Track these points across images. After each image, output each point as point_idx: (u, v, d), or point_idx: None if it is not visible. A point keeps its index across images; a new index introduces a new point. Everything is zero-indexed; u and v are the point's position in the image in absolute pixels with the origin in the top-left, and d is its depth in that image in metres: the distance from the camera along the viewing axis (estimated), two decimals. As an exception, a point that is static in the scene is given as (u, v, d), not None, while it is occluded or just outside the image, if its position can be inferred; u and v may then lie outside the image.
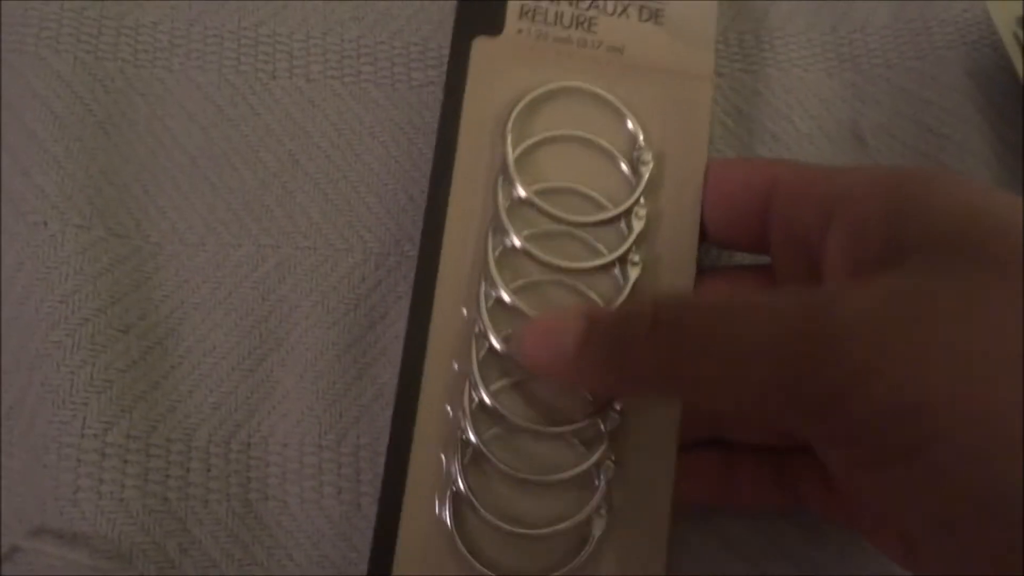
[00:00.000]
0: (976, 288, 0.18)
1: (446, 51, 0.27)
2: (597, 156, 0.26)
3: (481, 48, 0.26)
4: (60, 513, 0.25)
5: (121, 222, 0.27)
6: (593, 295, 0.25)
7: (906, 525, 0.21)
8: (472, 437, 0.24)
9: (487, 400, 0.24)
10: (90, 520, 0.25)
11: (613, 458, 0.24)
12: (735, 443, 0.26)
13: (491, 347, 0.24)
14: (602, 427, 0.25)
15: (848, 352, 0.18)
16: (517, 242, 0.25)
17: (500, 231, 0.25)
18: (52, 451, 0.25)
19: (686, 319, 0.21)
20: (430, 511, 0.24)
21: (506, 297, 0.25)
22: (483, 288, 0.25)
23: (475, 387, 0.24)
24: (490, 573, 0.24)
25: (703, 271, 0.26)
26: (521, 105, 0.26)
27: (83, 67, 0.28)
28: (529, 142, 0.26)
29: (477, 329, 0.25)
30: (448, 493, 0.24)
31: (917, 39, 0.32)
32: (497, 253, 0.25)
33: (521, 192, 0.25)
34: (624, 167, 0.26)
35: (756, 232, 0.25)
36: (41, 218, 0.26)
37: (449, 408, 0.24)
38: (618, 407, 0.25)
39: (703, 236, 0.26)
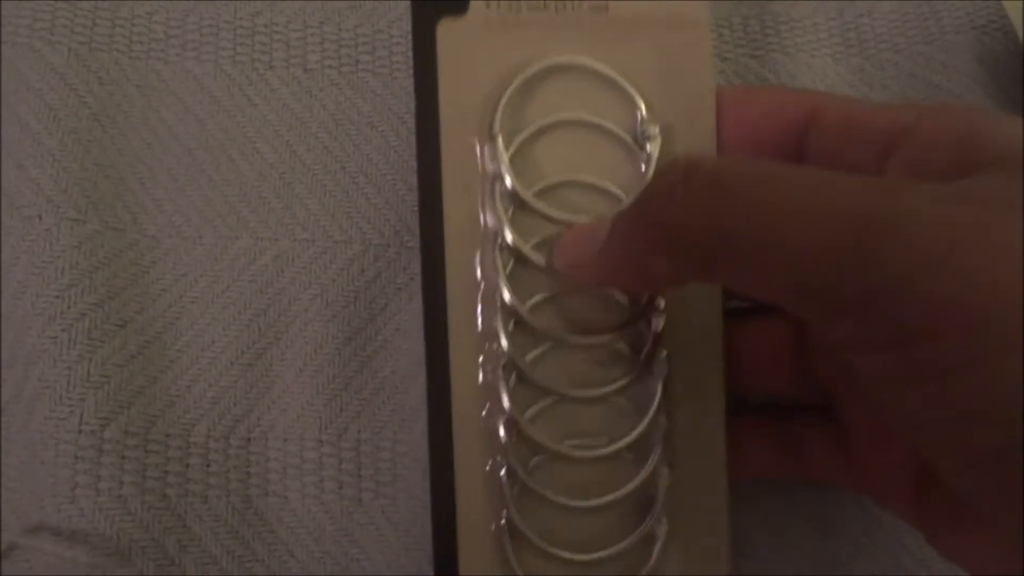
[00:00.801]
0: None
1: None
2: (599, 136, 0.24)
3: (447, 31, 0.23)
4: (58, 510, 0.24)
5: (117, 215, 0.27)
6: (619, 295, 0.24)
7: (936, 457, 0.19)
8: (518, 470, 0.23)
9: (525, 427, 0.23)
10: (88, 517, 0.24)
11: (669, 465, 0.23)
12: (735, 408, 0.25)
13: (521, 373, 0.23)
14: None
15: (910, 241, 0.16)
16: (531, 255, 0.23)
17: (507, 245, 0.23)
18: (49, 447, 0.25)
19: (725, 179, 0.18)
20: (486, 546, 0.23)
21: (526, 320, 0.23)
22: (499, 307, 0.23)
23: (509, 413, 0.23)
24: None
25: None
26: (504, 99, 0.23)
27: (78, 59, 0.28)
28: (522, 136, 0.24)
29: (501, 348, 0.23)
30: (500, 525, 0.23)
31: (925, 24, 0.31)
32: (508, 267, 0.23)
33: (523, 198, 0.23)
34: (630, 142, 0.24)
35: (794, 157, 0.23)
36: (36, 212, 0.26)
37: (484, 421, 0.23)
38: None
39: None
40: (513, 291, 0.23)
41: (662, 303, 0.24)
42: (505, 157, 0.23)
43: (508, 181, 0.23)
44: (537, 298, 0.24)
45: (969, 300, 0.16)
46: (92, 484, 0.25)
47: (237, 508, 0.26)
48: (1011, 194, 0.17)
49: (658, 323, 0.24)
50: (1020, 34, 0.29)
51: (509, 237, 0.23)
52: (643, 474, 0.23)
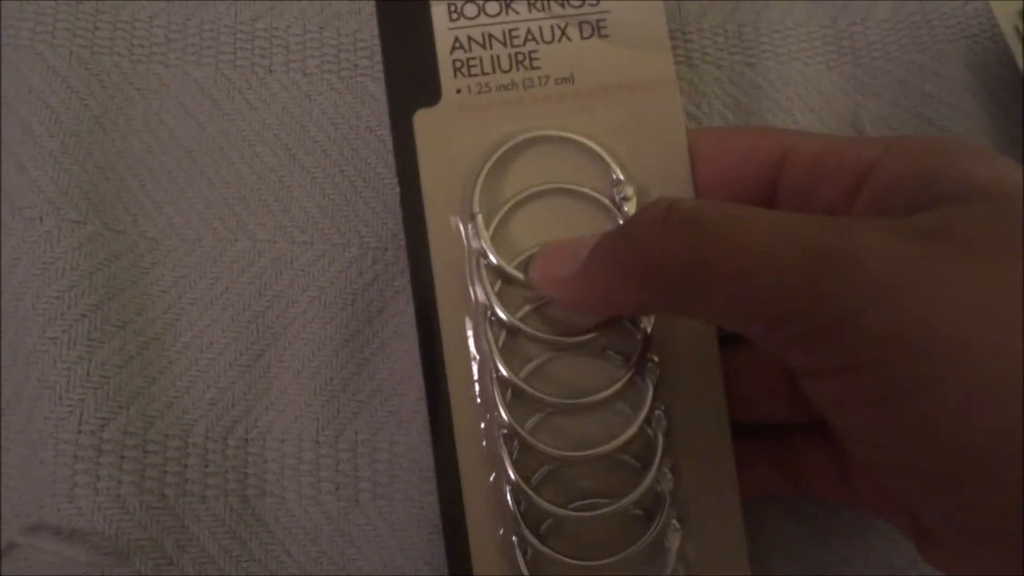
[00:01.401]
0: (1005, 234, 0.17)
1: None
2: (577, 203, 0.25)
3: (423, 121, 0.25)
4: (57, 509, 0.25)
5: (117, 217, 0.27)
6: (611, 354, 0.24)
7: (895, 482, 0.20)
8: (506, 418, 0.23)
9: (522, 486, 0.23)
10: (87, 516, 0.25)
11: (670, 467, 0.24)
12: (732, 429, 0.25)
13: (523, 442, 0.24)
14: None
15: (863, 275, 0.17)
16: (516, 324, 0.24)
17: (496, 320, 0.24)
18: (49, 447, 0.25)
19: (700, 218, 0.20)
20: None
21: (522, 386, 0.24)
22: (492, 375, 0.24)
23: (515, 482, 0.23)
24: None
25: None
26: (481, 177, 0.24)
27: (79, 62, 0.28)
28: (502, 212, 0.24)
29: (501, 429, 0.24)
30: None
31: (918, 32, 0.32)
32: (500, 342, 0.24)
33: (506, 272, 0.24)
34: (608, 204, 0.25)
35: (760, 205, 0.24)
36: (37, 213, 0.26)
37: (491, 487, 0.24)
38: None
39: None
40: (507, 363, 0.24)
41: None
42: (486, 235, 0.24)
43: (491, 257, 0.24)
44: (532, 365, 0.24)
45: (910, 330, 0.17)
46: (91, 484, 0.25)
47: (235, 508, 0.26)
48: (960, 227, 0.18)
49: (653, 377, 0.24)
50: (1010, 43, 0.30)
51: (499, 312, 0.24)
52: (646, 482, 0.23)
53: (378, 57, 0.30)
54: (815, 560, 0.27)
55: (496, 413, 0.23)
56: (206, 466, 0.26)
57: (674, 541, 0.23)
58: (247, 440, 0.26)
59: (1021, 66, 0.29)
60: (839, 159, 0.23)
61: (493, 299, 0.24)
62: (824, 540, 0.27)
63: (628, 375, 0.24)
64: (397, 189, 0.28)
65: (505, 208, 0.24)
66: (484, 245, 0.24)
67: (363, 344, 0.27)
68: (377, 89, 0.29)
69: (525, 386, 0.23)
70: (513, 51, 0.25)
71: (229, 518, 0.26)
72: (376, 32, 0.30)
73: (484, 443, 0.24)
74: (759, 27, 0.31)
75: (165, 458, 0.26)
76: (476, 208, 0.24)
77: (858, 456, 0.22)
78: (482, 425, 0.24)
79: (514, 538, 0.23)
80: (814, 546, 0.27)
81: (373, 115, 0.29)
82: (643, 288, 0.21)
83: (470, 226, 0.24)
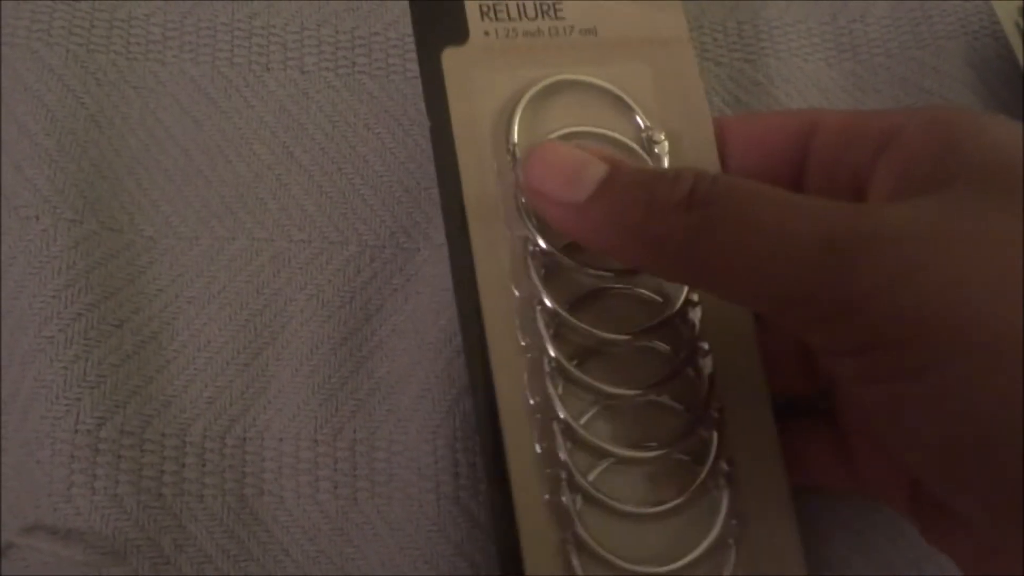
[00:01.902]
0: (1016, 216, 0.18)
1: None
2: (608, 146, 0.25)
3: (452, 59, 0.25)
4: (54, 509, 0.24)
5: (114, 216, 0.27)
6: (648, 294, 0.24)
7: (908, 456, 0.20)
8: (579, 479, 0.22)
9: (580, 432, 0.23)
10: (84, 516, 0.25)
11: (726, 463, 0.23)
12: (791, 422, 0.25)
13: (568, 375, 0.23)
14: (704, 434, 0.23)
15: (878, 258, 0.18)
16: (562, 259, 0.23)
17: (539, 252, 0.24)
18: (46, 447, 0.25)
19: (724, 197, 0.20)
20: (555, 563, 0.22)
21: (567, 317, 0.23)
22: (539, 312, 0.23)
23: (564, 423, 0.23)
24: None
25: None
26: (519, 111, 0.24)
27: (75, 60, 0.28)
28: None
29: (549, 363, 0.23)
30: (569, 540, 0.22)
31: (918, 29, 0.31)
32: (542, 274, 0.24)
33: None
34: (641, 152, 0.25)
35: (788, 178, 0.24)
36: (33, 212, 0.26)
37: (538, 447, 0.23)
38: (717, 411, 0.24)
39: None
40: (552, 295, 0.23)
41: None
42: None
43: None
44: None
45: (922, 312, 0.17)
46: (88, 483, 0.25)
47: (233, 507, 0.26)
48: (974, 207, 0.18)
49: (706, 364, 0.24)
50: (1010, 40, 0.30)
51: (541, 243, 0.23)
52: (700, 479, 0.23)
53: (376, 55, 0.30)
54: (815, 558, 0.27)
55: (542, 342, 0.23)
56: (204, 465, 0.26)
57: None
58: (245, 439, 0.26)
59: (1021, 63, 0.29)
60: (865, 126, 0.23)
61: (532, 230, 0.23)
62: (826, 539, 0.27)
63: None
64: (394, 188, 0.28)
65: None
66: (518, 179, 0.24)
67: (361, 342, 0.27)
68: (375, 86, 0.29)
69: (569, 317, 0.23)
70: (538, 2, 0.26)
71: (227, 517, 0.26)
72: (373, 30, 0.30)
73: (523, 337, 0.23)
74: (758, 24, 0.31)
75: (162, 457, 0.26)
76: (516, 139, 0.24)
77: (873, 430, 0.23)
78: (520, 338, 0.23)
79: (562, 475, 0.23)
80: (815, 544, 0.27)
81: (371, 113, 0.29)
82: (654, 258, 0.21)
83: (508, 159, 0.24)
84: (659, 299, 0.24)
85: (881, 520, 0.27)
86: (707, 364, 0.24)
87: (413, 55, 0.29)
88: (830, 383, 0.25)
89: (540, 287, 0.23)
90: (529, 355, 0.23)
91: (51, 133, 0.27)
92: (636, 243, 0.21)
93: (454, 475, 0.26)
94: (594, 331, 0.23)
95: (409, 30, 0.29)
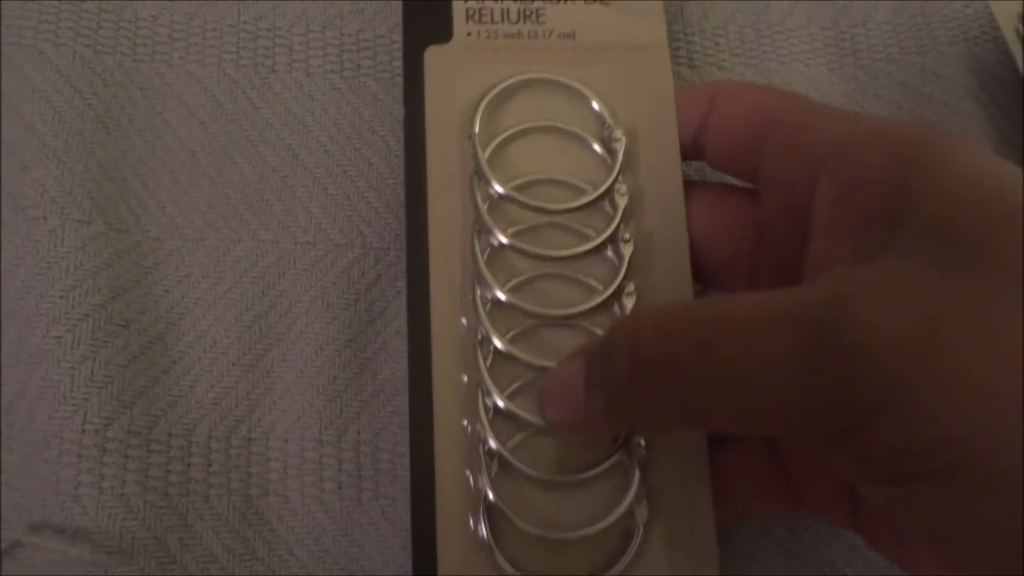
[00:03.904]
0: (999, 297, 0.17)
1: None
2: (569, 143, 0.26)
3: (434, 56, 0.26)
4: (61, 508, 0.25)
5: (121, 217, 0.27)
6: (592, 281, 0.25)
7: (932, 535, 0.19)
8: (494, 445, 0.24)
9: (503, 405, 0.24)
10: (91, 515, 0.25)
11: (643, 442, 0.24)
12: (726, 442, 0.25)
13: (498, 350, 0.24)
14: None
15: (870, 377, 0.17)
16: (503, 239, 0.25)
17: (485, 232, 0.25)
18: (53, 446, 0.25)
19: (669, 350, 0.19)
20: (466, 528, 0.23)
21: (502, 296, 0.24)
22: (478, 293, 0.25)
23: (489, 395, 0.24)
24: None
25: (689, 183, 0.26)
26: (483, 104, 0.26)
27: (82, 61, 0.28)
28: (498, 139, 0.26)
29: (480, 336, 0.24)
30: (480, 507, 0.23)
31: (918, 34, 0.32)
32: (486, 255, 0.25)
33: (499, 189, 0.25)
34: (598, 148, 0.26)
35: (749, 165, 0.24)
36: (40, 213, 0.26)
37: (466, 422, 0.24)
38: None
39: (702, 155, 0.26)
40: (495, 278, 0.25)
41: None
42: (482, 154, 0.25)
43: (485, 172, 0.25)
44: (515, 281, 0.25)
45: (936, 430, 0.16)
46: (95, 483, 0.25)
47: (238, 507, 0.26)
48: (952, 296, 0.17)
49: None
50: (1011, 46, 0.30)
51: (490, 226, 0.25)
52: (616, 455, 0.24)
53: (381, 57, 0.30)
54: (817, 557, 0.27)
55: (479, 324, 0.24)
56: (209, 465, 0.26)
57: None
58: (250, 439, 0.26)
59: (1021, 68, 0.30)
60: (807, 137, 0.22)
61: (484, 214, 0.25)
62: (828, 541, 0.27)
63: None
64: (398, 190, 0.29)
65: (503, 135, 0.26)
66: (479, 162, 0.25)
67: (365, 344, 0.27)
68: (380, 89, 0.29)
69: (510, 297, 0.24)
70: (522, 6, 0.27)
71: (232, 517, 0.26)
72: (379, 32, 0.30)
73: (464, 323, 0.25)
74: (760, 28, 0.32)
75: (169, 457, 0.26)
76: (476, 129, 0.26)
77: (893, 520, 0.22)
78: (463, 320, 0.25)
79: (481, 443, 0.24)
80: (815, 543, 0.27)
81: (375, 115, 0.29)
82: (644, 426, 0.22)
83: (468, 145, 0.26)
84: (598, 285, 0.25)
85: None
86: None
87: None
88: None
89: (484, 269, 0.25)
90: (471, 336, 0.25)
91: (58, 134, 0.27)
92: (627, 422, 0.22)
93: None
94: (531, 309, 0.25)
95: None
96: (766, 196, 0.24)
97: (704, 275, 0.26)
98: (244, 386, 0.27)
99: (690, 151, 0.26)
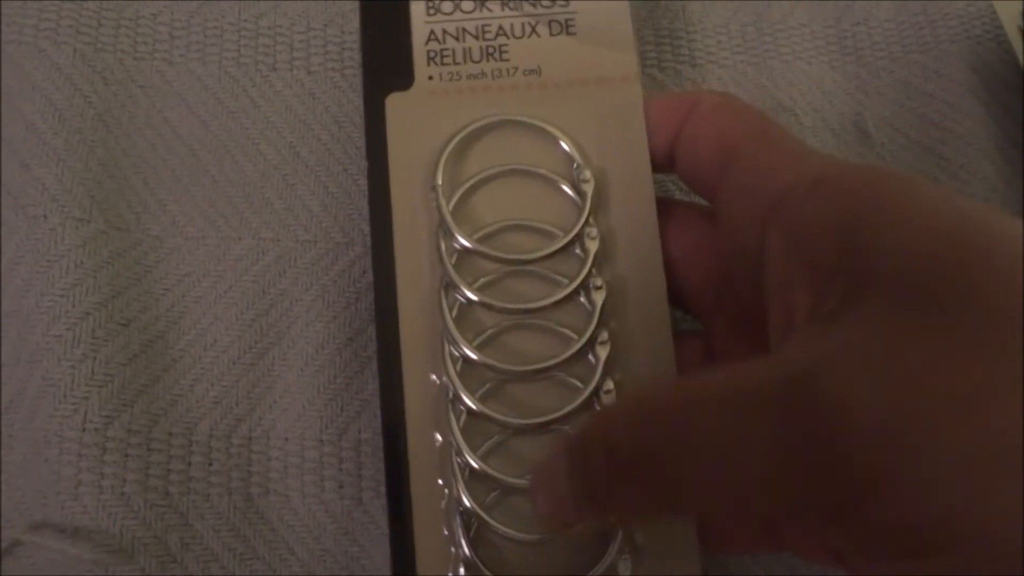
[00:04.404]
0: (975, 354, 0.16)
1: None
2: (537, 185, 0.25)
3: (395, 104, 0.25)
4: (61, 507, 0.25)
5: (121, 215, 0.27)
6: (566, 330, 0.24)
7: None
8: (468, 504, 0.23)
9: (476, 466, 0.23)
10: (91, 514, 0.25)
11: None
12: None
13: (470, 410, 0.23)
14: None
15: (853, 458, 0.16)
16: (471, 296, 0.24)
17: (452, 287, 0.24)
18: (53, 445, 0.25)
19: (643, 444, 0.19)
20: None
21: (472, 356, 0.24)
22: (447, 349, 0.24)
23: (462, 454, 0.23)
24: None
25: (662, 201, 0.25)
26: (445, 153, 0.25)
27: (82, 59, 0.28)
28: (463, 188, 0.25)
29: (451, 394, 0.24)
30: (459, 567, 0.23)
31: (921, 33, 0.32)
32: (455, 310, 0.24)
33: (464, 243, 0.24)
34: (568, 190, 0.25)
35: (710, 193, 0.24)
36: (41, 211, 0.26)
37: (441, 481, 0.23)
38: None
39: (673, 169, 0.25)
40: (462, 334, 0.24)
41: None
42: (446, 206, 0.24)
43: (450, 227, 0.24)
44: (485, 336, 0.24)
45: (924, 508, 0.16)
46: (95, 482, 0.25)
47: (239, 506, 0.26)
48: (925, 364, 0.16)
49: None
50: (1013, 44, 0.30)
51: (456, 281, 0.24)
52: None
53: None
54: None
55: (447, 380, 0.24)
56: (210, 464, 0.26)
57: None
58: (251, 438, 0.26)
59: (1023, 66, 0.30)
60: (760, 182, 0.21)
61: (450, 269, 0.24)
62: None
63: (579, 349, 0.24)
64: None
65: (467, 184, 0.25)
66: (443, 215, 0.24)
67: (366, 343, 0.27)
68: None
69: (479, 355, 0.24)
70: (485, 44, 0.26)
71: (233, 516, 0.26)
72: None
73: (435, 381, 0.24)
74: (762, 27, 0.31)
75: (169, 456, 0.26)
76: (439, 180, 0.25)
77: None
78: (433, 377, 0.24)
79: (456, 504, 0.23)
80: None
81: (377, 114, 0.29)
82: (632, 519, 0.22)
83: (431, 197, 0.25)
84: (572, 334, 0.24)
85: None
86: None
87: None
88: None
89: (452, 326, 0.24)
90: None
91: (59, 132, 0.27)
92: (613, 515, 0.22)
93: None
94: (501, 367, 0.24)
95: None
96: (723, 232, 0.23)
97: (676, 297, 0.25)
98: (245, 385, 0.27)
99: (663, 163, 0.25)
